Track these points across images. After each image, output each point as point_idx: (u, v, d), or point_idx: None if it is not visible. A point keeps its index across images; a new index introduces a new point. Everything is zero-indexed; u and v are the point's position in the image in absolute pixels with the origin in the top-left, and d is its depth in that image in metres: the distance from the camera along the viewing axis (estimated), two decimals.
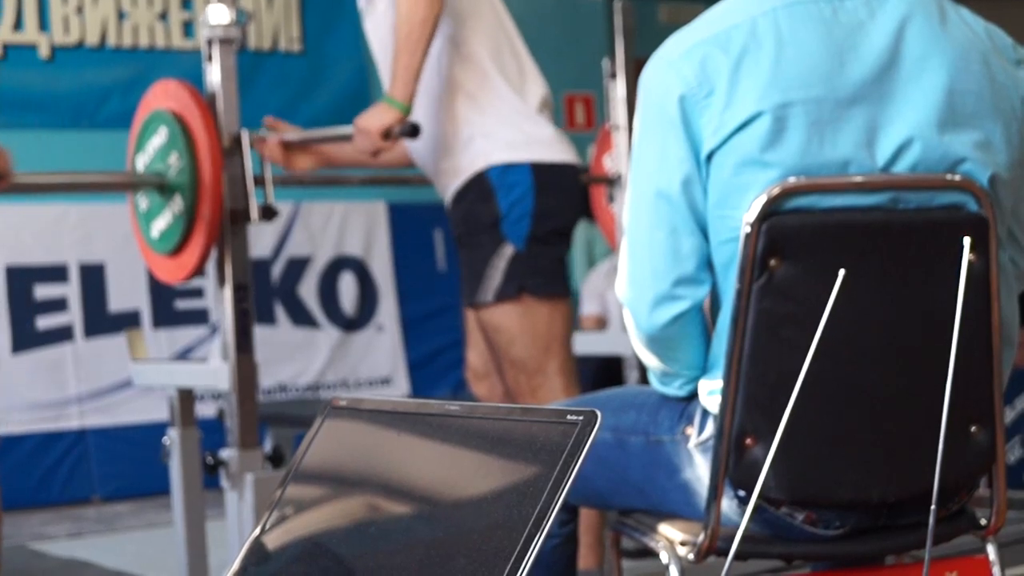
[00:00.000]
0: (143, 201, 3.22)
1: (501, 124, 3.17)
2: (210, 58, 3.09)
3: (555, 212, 3.19)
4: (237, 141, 3.06)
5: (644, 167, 1.91)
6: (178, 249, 3.11)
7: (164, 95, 3.17)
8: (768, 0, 1.87)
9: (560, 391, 3.15)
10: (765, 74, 1.82)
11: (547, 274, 3.18)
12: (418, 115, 3.15)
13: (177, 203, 3.08)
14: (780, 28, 1.84)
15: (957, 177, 1.85)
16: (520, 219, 3.14)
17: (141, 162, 3.20)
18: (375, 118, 3.05)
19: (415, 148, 3.29)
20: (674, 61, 1.87)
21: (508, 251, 3.15)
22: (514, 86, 3.20)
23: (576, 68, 7.51)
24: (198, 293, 6.15)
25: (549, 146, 3.19)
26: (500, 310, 3.16)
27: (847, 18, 1.86)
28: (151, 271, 3.36)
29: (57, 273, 5.98)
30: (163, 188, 3.11)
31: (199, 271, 3.11)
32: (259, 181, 3.11)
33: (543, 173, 3.17)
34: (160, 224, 3.15)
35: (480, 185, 3.16)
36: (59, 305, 5.97)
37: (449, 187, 3.23)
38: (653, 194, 1.89)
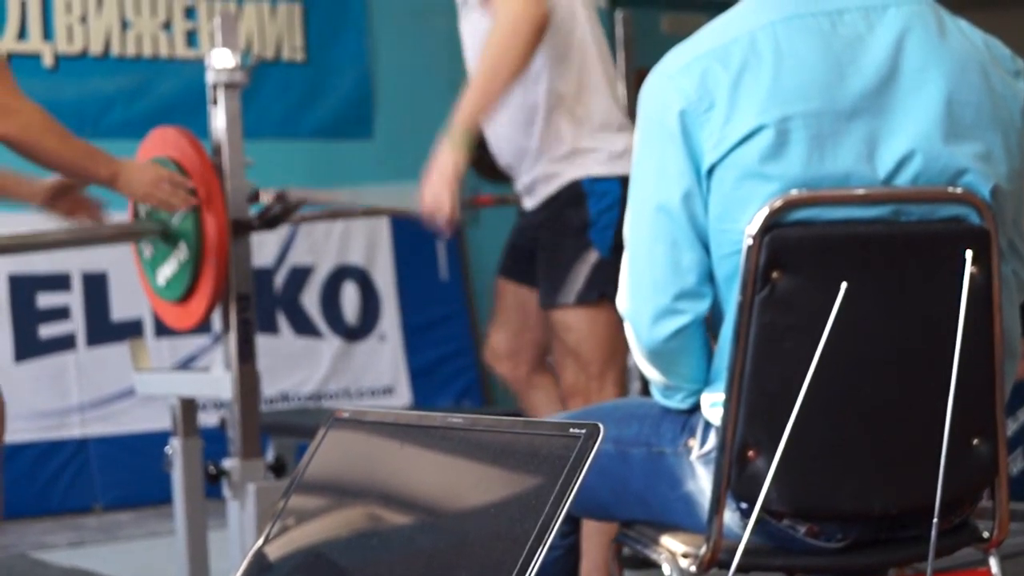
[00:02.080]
0: (147, 248, 3.21)
1: (597, 139, 3.19)
2: (215, 102, 3.07)
3: None
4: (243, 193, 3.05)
5: (644, 181, 1.92)
6: (186, 297, 3.10)
7: (162, 142, 3.15)
8: (767, 14, 1.87)
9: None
10: (765, 88, 1.83)
11: None
12: (509, 124, 3.16)
13: (182, 251, 3.06)
14: (779, 42, 1.85)
15: (959, 190, 1.85)
16: (607, 227, 3.17)
17: (143, 208, 3.18)
18: (443, 170, 2.97)
19: (501, 151, 3.29)
20: (674, 75, 1.87)
21: (593, 257, 3.17)
22: (613, 90, 3.23)
23: None
24: None
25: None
26: (578, 313, 3.18)
27: (846, 31, 1.86)
28: (159, 318, 3.33)
29: (60, 282, 5.97)
30: (167, 236, 3.10)
31: (208, 318, 3.11)
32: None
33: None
34: (166, 271, 3.14)
35: (572, 191, 3.18)
36: (62, 314, 5.96)
37: (538, 193, 3.23)
38: (653, 208, 1.89)
